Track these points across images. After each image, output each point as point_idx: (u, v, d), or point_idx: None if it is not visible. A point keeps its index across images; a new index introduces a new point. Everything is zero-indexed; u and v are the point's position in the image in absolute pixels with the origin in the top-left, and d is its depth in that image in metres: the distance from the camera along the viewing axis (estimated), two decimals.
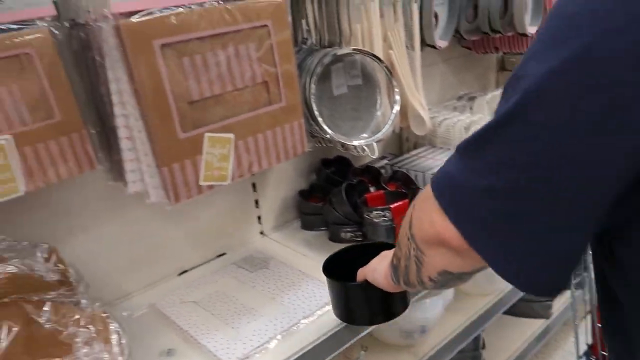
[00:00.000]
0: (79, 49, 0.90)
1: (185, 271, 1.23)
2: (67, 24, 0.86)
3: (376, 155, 1.08)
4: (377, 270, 0.76)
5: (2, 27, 0.73)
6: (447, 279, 0.57)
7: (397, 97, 1.11)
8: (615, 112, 0.38)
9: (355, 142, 1.06)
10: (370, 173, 1.38)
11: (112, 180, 0.97)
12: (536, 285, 0.46)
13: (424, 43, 1.42)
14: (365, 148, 1.06)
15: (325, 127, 1.03)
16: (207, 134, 0.87)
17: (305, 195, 1.39)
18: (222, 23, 0.85)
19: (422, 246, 0.55)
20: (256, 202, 1.34)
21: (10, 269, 0.72)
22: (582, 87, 0.38)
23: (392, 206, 1.14)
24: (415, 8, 1.32)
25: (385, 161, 1.48)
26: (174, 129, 0.83)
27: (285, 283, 1.11)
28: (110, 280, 1.09)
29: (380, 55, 1.19)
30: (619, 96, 0.37)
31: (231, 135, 0.90)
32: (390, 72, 1.13)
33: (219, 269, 1.22)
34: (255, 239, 1.36)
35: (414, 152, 1.46)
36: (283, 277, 1.14)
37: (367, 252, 0.83)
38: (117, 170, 0.94)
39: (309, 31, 1.12)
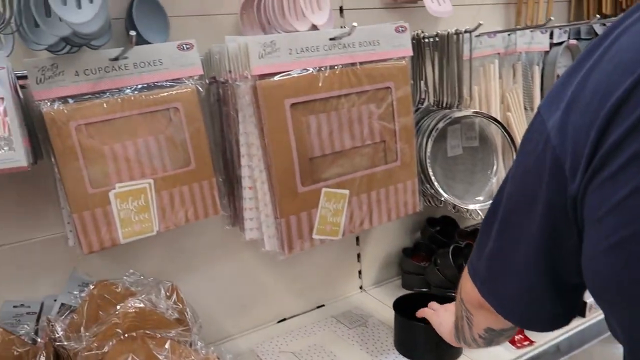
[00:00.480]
0: (214, 103, 0.99)
1: (285, 319, 1.24)
2: (207, 81, 0.95)
3: None
4: (443, 325, 0.87)
5: (160, 83, 0.82)
6: (493, 336, 0.66)
7: None
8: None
9: (471, 206, 1.03)
10: None
11: (231, 225, 1.03)
12: (530, 323, 0.57)
13: None
14: (480, 212, 1.03)
15: (440, 189, 1.01)
16: (324, 189, 0.90)
17: (408, 253, 1.36)
18: (348, 84, 0.89)
19: (469, 308, 0.65)
20: (358, 256, 1.33)
21: (139, 304, 0.77)
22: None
23: None
24: (537, 70, 1.28)
25: None
26: (294, 183, 0.86)
27: (384, 345, 1.08)
28: (216, 321, 1.13)
29: (498, 117, 1.16)
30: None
31: (346, 192, 0.92)
32: (509, 135, 1.09)
33: (318, 320, 1.22)
34: (355, 293, 1.34)
35: None
36: (382, 338, 1.11)
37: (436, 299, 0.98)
38: (236, 216, 0.99)
39: (426, 92, 1.13)
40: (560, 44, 1.38)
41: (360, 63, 0.90)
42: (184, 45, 0.84)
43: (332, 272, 1.29)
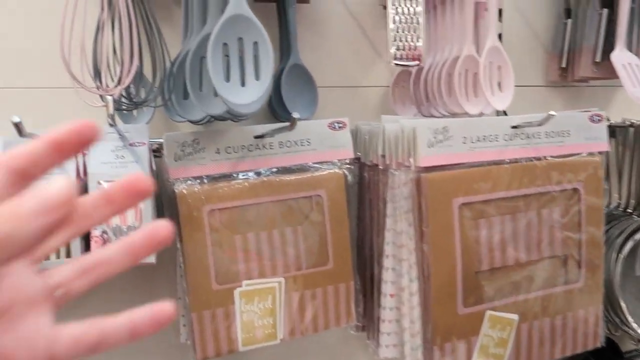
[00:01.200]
0: (352, 186, 0.85)
1: None
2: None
3: None
4: None
5: (304, 166, 0.70)
6: None
7: None
8: None
9: None
10: None
11: (355, 330, 0.86)
12: None
13: None
14: None
15: (632, 321, 0.78)
16: (488, 312, 0.71)
17: None
18: (529, 183, 0.71)
19: None
20: None
21: None
22: None
23: None
24: None
25: None
26: (455, 302, 0.68)
27: None
28: None
29: None
30: None
31: (515, 317, 0.72)
32: None
33: None
34: None
35: None
36: None
37: None
38: (367, 324, 0.83)
39: (608, 191, 0.92)
40: None
41: (545, 157, 0.73)
42: (335, 124, 0.72)
43: None
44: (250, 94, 0.51)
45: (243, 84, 0.51)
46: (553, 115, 0.66)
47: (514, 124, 0.71)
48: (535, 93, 1.02)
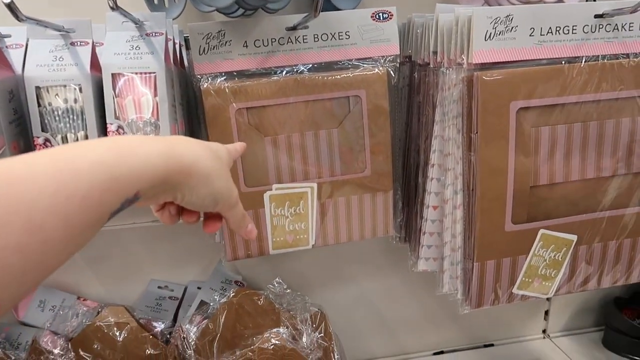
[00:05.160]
0: (402, 88, 0.77)
1: (442, 352, 1.02)
2: (399, 60, 0.74)
3: None
4: None
5: (342, 63, 0.63)
6: None
7: None
8: None
9: None
10: None
11: (400, 240, 0.82)
12: None
13: None
14: None
15: None
16: (542, 230, 0.63)
17: (620, 304, 1.03)
18: (610, 86, 0.59)
19: None
20: None
21: (278, 340, 0.63)
22: None
23: None
24: None
25: None
26: (502, 218, 0.62)
27: None
28: (359, 339, 0.97)
29: None
30: None
31: (574, 237, 0.64)
32: None
33: None
34: (535, 337, 1.06)
35: None
36: None
37: None
38: (408, 234, 0.79)
39: None
40: None
41: (635, 55, 0.60)
42: (380, 14, 0.63)
43: (511, 307, 1.02)
44: None
45: None
46: None
47: (600, 12, 0.58)
48: None
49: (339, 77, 0.63)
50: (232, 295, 0.73)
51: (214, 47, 0.60)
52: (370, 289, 0.94)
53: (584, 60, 0.58)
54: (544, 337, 1.07)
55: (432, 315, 0.99)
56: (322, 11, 0.68)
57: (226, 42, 0.60)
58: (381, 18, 0.63)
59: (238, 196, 0.42)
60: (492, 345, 1.04)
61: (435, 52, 0.64)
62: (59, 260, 0.26)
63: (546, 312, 1.06)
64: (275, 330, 0.64)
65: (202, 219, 0.43)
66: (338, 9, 0.66)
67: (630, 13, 0.56)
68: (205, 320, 0.74)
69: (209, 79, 0.61)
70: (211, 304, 0.76)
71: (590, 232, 0.65)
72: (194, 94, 0.65)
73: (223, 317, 0.71)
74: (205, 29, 0.60)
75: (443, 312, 1.00)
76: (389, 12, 0.63)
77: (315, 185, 0.66)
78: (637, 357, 0.97)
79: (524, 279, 0.65)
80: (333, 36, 0.62)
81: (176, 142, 0.35)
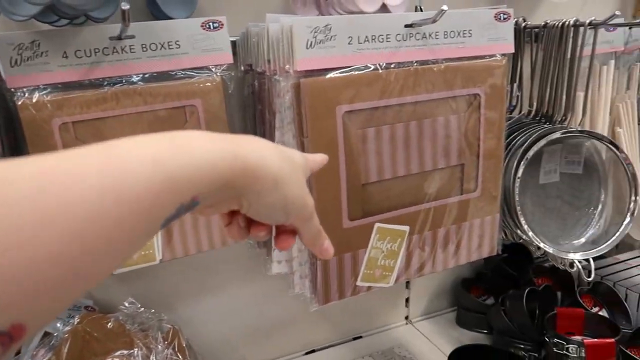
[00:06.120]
0: (248, 96, 0.78)
1: (313, 351, 1.05)
2: (242, 69, 0.75)
3: (592, 279, 0.80)
4: None
5: (174, 73, 0.62)
6: None
7: (636, 198, 0.81)
8: None
9: (571, 256, 0.78)
10: (559, 276, 1.08)
11: (259, 246, 0.84)
12: None
13: None
14: (578, 264, 0.79)
15: (528, 230, 0.77)
16: (377, 224, 0.68)
17: (467, 284, 1.14)
18: (424, 89, 0.66)
19: None
20: (407, 282, 1.12)
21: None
22: None
23: (587, 342, 0.84)
24: None
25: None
26: (339, 216, 0.65)
27: None
28: (228, 349, 0.96)
29: (605, 133, 0.90)
30: None
31: (406, 228, 0.70)
32: (629, 165, 0.83)
33: (353, 356, 1.02)
34: (399, 324, 1.14)
35: (623, 257, 1.12)
36: None
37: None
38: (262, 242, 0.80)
39: (518, 97, 0.88)
40: None
41: (444, 60, 0.67)
42: (210, 24, 0.63)
43: (374, 298, 1.08)
44: None
45: None
46: (445, 10, 0.59)
47: (409, 22, 0.64)
48: None
49: (172, 86, 0.62)
50: (77, 321, 0.68)
51: (27, 59, 0.56)
52: (235, 297, 0.94)
53: (399, 66, 0.64)
54: (406, 323, 1.15)
55: (298, 316, 1.01)
56: (157, 19, 0.67)
57: (42, 53, 0.56)
58: (211, 27, 0.64)
59: (314, 208, 0.37)
60: (360, 337, 1.10)
61: (269, 61, 0.66)
62: (101, 272, 0.22)
63: (407, 300, 1.14)
64: (125, 352, 0.62)
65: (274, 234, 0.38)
66: (170, 18, 0.66)
67: (432, 22, 0.63)
68: (49, 354, 0.68)
69: (26, 92, 0.57)
70: (55, 333, 0.70)
71: (421, 222, 0.71)
72: (10, 112, 0.60)
73: (66, 347, 0.66)
74: (16, 39, 0.55)
75: (308, 312, 1.02)
76: (220, 22, 0.64)
77: None
78: (484, 329, 1.08)
79: (365, 271, 0.70)
80: (162, 46, 0.62)
81: (242, 140, 0.31)
